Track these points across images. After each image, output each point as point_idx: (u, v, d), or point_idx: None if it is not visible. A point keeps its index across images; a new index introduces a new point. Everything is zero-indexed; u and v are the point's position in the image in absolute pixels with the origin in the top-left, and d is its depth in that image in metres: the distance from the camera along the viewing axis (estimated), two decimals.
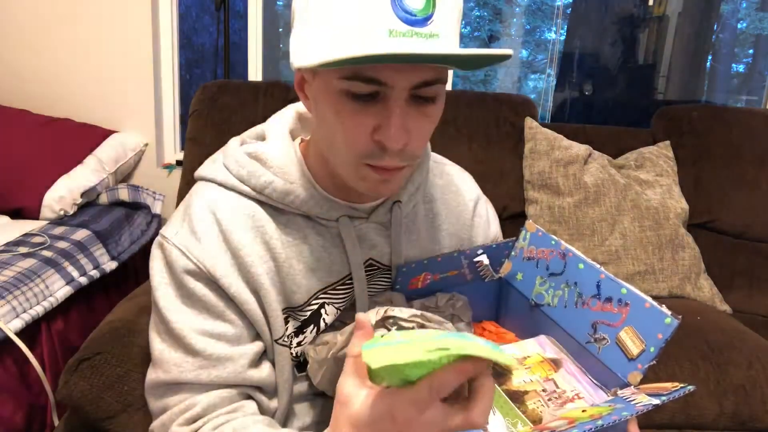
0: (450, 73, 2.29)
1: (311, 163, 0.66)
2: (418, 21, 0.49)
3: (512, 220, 1.62)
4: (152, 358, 0.64)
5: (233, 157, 0.65)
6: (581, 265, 0.65)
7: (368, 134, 0.54)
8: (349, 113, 0.54)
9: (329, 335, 0.64)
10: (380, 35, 0.48)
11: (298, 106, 0.72)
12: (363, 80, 0.51)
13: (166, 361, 0.62)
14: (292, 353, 0.66)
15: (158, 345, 0.63)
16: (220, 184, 0.65)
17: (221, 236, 0.62)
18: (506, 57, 0.51)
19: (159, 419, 0.62)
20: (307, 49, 0.53)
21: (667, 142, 1.70)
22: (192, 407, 0.60)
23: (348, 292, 0.68)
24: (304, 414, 0.69)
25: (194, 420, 0.60)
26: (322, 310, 0.67)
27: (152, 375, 0.63)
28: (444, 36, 0.51)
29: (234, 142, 0.69)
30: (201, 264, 0.61)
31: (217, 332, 0.61)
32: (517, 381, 0.62)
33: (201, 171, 0.68)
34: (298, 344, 0.67)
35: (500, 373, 0.64)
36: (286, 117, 0.71)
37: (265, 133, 0.70)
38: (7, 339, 1.10)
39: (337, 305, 0.68)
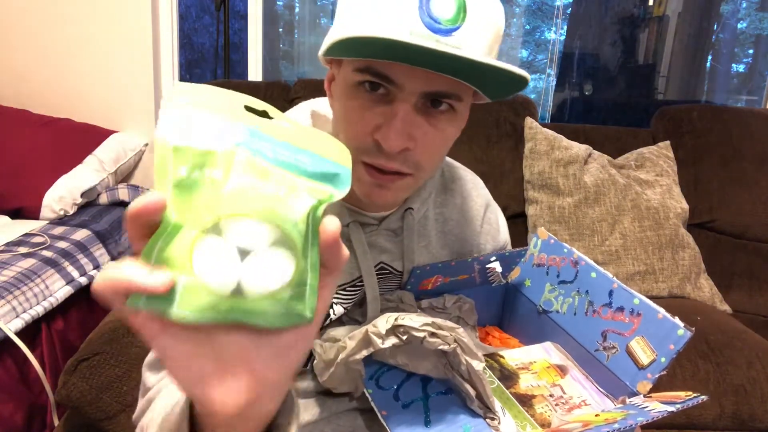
0: None
1: None
2: (442, 30, 0.49)
3: (512, 220, 1.62)
4: None
5: None
6: (594, 274, 0.65)
7: (369, 132, 0.54)
8: (356, 108, 0.54)
9: (339, 330, 0.64)
10: (400, 34, 0.47)
11: (313, 105, 0.72)
12: (373, 74, 0.51)
13: None
14: None
15: None
16: None
17: None
18: (524, 79, 0.49)
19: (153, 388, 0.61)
20: (329, 39, 0.54)
21: (667, 142, 1.70)
22: None
23: (356, 292, 0.68)
24: (309, 410, 0.68)
25: None
26: (331, 310, 0.66)
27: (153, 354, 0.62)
28: (467, 50, 0.49)
29: None
30: None
31: None
32: (524, 385, 0.63)
33: None
34: None
35: (508, 376, 0.64)
36: (301, 116, 0.71)
37: None
38: (7, 339, 1.10)
39: (345, 305, 0.68)
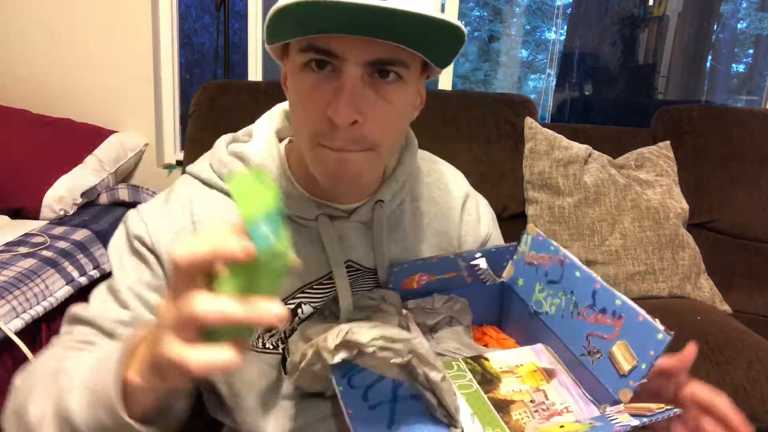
0: (450, 72, 2.26)
1: (293, 161, 0.66)
2: None
3: (512, 220, 1.62)
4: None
5: (217, 156, 0.67)
6: (578, 273, 0.63)
7: (321, 109, 0.53)
8: (306, 89, 0.54)
9: (314, 328, 0.62)
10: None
11: (285, 105, 0.72)
12: (316, 51, 0.52)
13: (94, 302, 0.61)
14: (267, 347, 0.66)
15: (99, 289, 0.63)
16: (203, 182, 0.66)
17: (191, 226, 0.63)
18: (460, 31, 0.48)
19: (58, 338, 0.61)
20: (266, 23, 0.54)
21: (667, 142, 1.70)
22: (92, 344, 0.58)
23: (327, 291, 0.67)
24: (286, 416, 0.68)
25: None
26: (299, 310, 0.66)
27: (76, 308, 0.62)
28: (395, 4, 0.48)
29: (222, 140, 0.70)
30: (156, 241, 0.61)
31: (152, 304, 0.60)
32: (505, 390, 0.60)
33: (190, 166, 0.70)
34: (270, 336, 0.66)
35: (489, 380, 0.62)
36: (273, 116, 0.71)
37: (252, 131, 0.70)
38: (7, 339, 1.10)
39: (314, 305, 0.67)
